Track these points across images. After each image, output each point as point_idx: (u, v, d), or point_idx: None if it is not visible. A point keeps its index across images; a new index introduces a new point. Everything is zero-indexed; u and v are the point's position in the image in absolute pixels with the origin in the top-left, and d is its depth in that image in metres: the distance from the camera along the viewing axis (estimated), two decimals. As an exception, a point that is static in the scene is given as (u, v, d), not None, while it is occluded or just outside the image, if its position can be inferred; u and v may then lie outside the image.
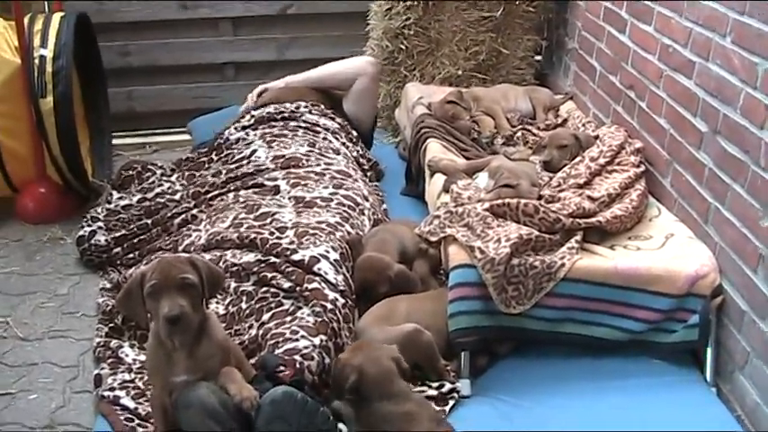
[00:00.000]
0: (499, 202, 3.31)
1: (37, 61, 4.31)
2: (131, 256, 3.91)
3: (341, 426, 2.68)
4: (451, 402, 2.97)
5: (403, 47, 5.09)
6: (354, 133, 4.56)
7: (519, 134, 4.40)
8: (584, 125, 4.26)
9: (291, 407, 2.43)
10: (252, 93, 4.89)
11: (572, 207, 3.35)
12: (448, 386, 3.02)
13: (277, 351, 2.76)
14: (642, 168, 3.67)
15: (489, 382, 3.12)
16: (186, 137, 5.35)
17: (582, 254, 3.20)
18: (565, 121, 4.52)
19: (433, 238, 3.33)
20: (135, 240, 3.96)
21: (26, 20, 4.37)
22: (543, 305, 3.13)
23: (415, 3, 4.96)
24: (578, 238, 3.25)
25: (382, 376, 2.67)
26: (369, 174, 4.36)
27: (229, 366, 2.53)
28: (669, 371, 3.17)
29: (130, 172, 4.52)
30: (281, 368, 2.64)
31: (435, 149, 4.08)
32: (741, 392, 2.99)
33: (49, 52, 4.34)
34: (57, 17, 4.49)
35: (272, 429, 2.41)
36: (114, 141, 5.33)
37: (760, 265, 2.86)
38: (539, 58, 5.44)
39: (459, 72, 5.10)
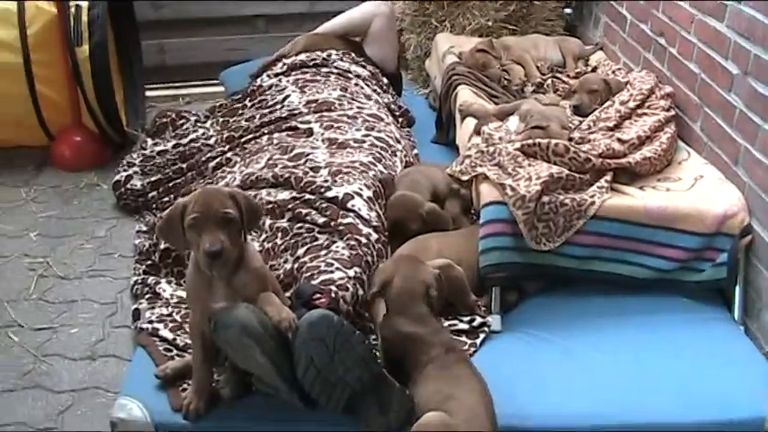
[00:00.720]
0: (530, 141, 3.34)
1: (73, 10, 4.38)
2: (167, 199, 3.98)
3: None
4: (482, 336, 3.02)
5: (433, -3, 5.12)
6: (385, 81, 4.60)
7: (549, 82, 4.43)
8: (613, 72, 4.27)
9: (328, 328, 2.47)
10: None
11: (602, 148, 3.38)
12: (479, 320, 3.07)
13: (312, 283, 2.82)
14: (672, 112, 3.69)
15: (519, 317, 3.17)
16: (218, 89, 5.41)
17: (612, 193, 3.23)
18: (594, 69, 4.52)
19: (465, 177, 3.36)
20: (170, 184, 4.05)
21: (62, -31, 4.44)
22: (573, 243, 3.17)
23: (447, -46, 4.98)
24: (608, 178, 3.28)
25: (406, 294, 2.73)
26: (400, 120, 4.40)
27: (267, 292, 2.59)
28: (697, 309, 3.20)
29: (164, 120, 4.57)
30: (317, 296, 2.69)
31: (466, 95, 4.11)
32: (768, 330, 3.03)
33: (84, 2, 4.41)
34: (92, -32, 4.55)
35: (308, 349, 2.46)
36: (147, 94, 5.40)
37: (789, 203, 2.90)
38: (569, 10, 5.44)
39: (490, 23, 5.11)
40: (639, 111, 3.69)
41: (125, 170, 4.22)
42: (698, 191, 3.30)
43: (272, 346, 2.47)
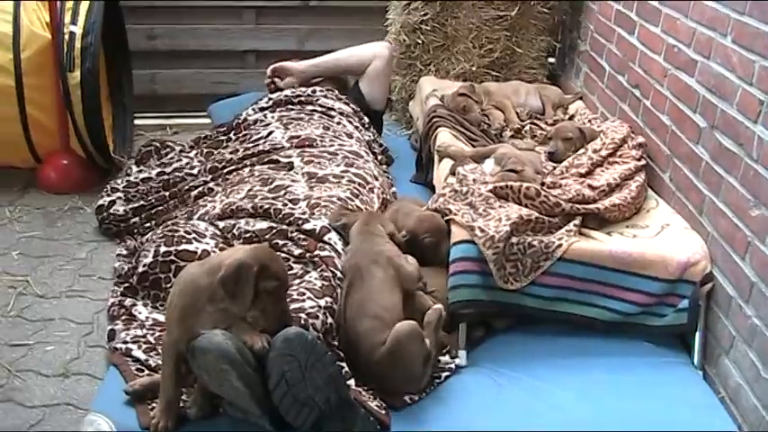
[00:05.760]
0: (502, 184, 3.45)
1: (67, 37, 4.47)
2: (148, 225, 4.06)
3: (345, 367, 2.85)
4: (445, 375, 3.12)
5: (419, 41, 5.25)
6: (366, 120, 4.71)
7: (527, 128, 4.55)
8: (590, 121, 4.39)
9: (301, 345, 2.56)
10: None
11: (572, 193, 3.49)
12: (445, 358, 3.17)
13: (284, 310, 2.90)
14: (643, 162, 3.81)
15: (486, 354, 3.26)
16: (205, 120, 5.49)
17: (579, 237, 3.33)
18: (572, 117, 4.66)
19: (443, 217, 3.44)
20: (152, 211, 4.13)
21: (58, -3, 4.55)
22: (540, 283, 3.26)
23: (433, -1, 5.13)
24: (577, 222, 3.39)
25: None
26: (379, 158, 4.50)
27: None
28: (658, 352, 3.31)
29: (150, 148, 4.66)
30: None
31: (445, 137, 4.23)
32: (725, 375, 3.11)
33: (78, 29, 4.49)
34: (88, -4, 4.66)
35: (281, 363, 2.55)
36: (136, 122, 5.49)
37: (748, 252, 3.00)
38: (552, 60, 5.59)
39: (474, 68, 5.25)
40: (611, 159, 3.81)
41: (109, 195, 4.30)
42: (663, 238, 3.41)
43: (247, 371, 2.55)
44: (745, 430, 2.93)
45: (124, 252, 3.91)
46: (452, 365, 3.14)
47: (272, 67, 5.09)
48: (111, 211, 4.20)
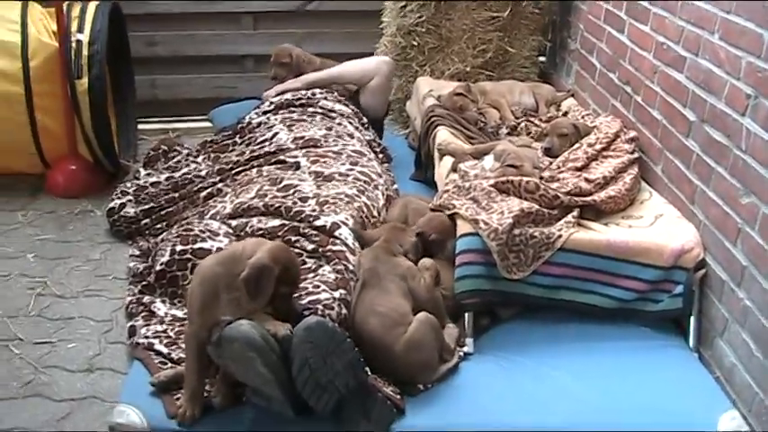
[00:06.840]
0: (503, 179, 3.60)
1: (74, 45, 4.61)
2: (159, 226, 4.20)
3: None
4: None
5: (415, 43, 5.41)
6: (365, 120, 4.87)
7: (522, 125, 4.70)
8: (583, 117, 4.54)
9: (322, 333, 2.71)
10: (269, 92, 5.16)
11: (570, 186, 3.65)
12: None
13: (300, 302, 3.03)
14: (636, 155, 3.96)
15: (491, 341, 3.39)
16: (206, 124, 5.63)
17: (578, 228, 3.48)
18: (565, 114, 4.81)
19: (448, 213, 3.59)
20: (162, 212, 4.27)
21: (64, 6, 4.67)
22: (541, 273, 3.40)
23: (428, 2, 5.28)
24: (575, 214, 3.53)
25: None
26: (380, 157, 4.64)
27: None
28: (655, 336, 3.44)
29: (157, 152, 4.80)
30: (305, 313, 2.91)
31: (444, 135, 4.37)
32: (720, 356, 3.27)
33: (85, 37, 4.64)
34: (92, 5, 4.79)
35: (304, 350, 2.69)
36: (139, 126, 5.61)
37: (739, 239, 3.15)
38: (543, 58, 5.75)
39: (468, 68, 5.41)
40: (605, 153, 3.96)
41: (119, 198, 4.43)
42: (658, 228, 3.56)
43: (272, 358, 2.69)
44: (739, 406, 3.08)
45: (137, 252, 4.04)
46: (461, 353, 3.28)
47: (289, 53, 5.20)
48: (122, 213, 4.33)
